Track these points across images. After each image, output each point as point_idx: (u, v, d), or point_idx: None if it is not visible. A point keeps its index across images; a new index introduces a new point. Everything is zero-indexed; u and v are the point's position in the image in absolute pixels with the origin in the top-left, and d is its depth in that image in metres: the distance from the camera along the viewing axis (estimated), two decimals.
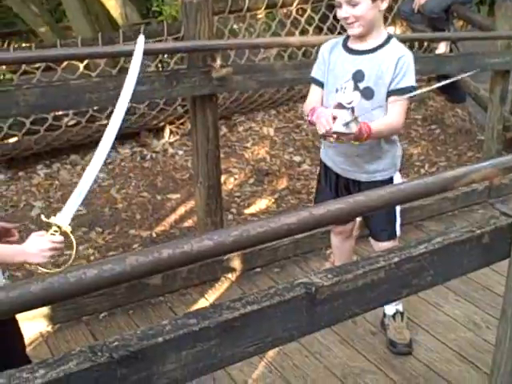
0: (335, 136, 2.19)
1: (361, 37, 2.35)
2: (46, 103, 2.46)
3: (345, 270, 1.37)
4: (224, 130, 5.05)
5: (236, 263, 3.11)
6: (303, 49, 5.07)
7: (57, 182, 4.29)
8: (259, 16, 5.30)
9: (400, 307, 2.75)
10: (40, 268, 1.65)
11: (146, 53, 3.66)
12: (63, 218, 1.68)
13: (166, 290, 2.95)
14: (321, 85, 2.47)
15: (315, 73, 2.50)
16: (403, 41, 5.21)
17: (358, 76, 2.34)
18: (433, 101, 5.77)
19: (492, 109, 4.06)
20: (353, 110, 2.26)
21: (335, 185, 2.58)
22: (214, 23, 4.81)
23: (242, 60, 4.87)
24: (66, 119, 4.34)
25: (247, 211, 4.05)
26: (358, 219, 2.91)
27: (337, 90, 2.37)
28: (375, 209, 1.43)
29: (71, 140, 4.54)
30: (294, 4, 5.01)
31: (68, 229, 1.67)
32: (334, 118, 2.15)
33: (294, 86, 4.54)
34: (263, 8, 4.86)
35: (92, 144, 4.75)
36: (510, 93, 4.32)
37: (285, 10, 5.29)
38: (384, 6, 2.29)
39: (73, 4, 5.55)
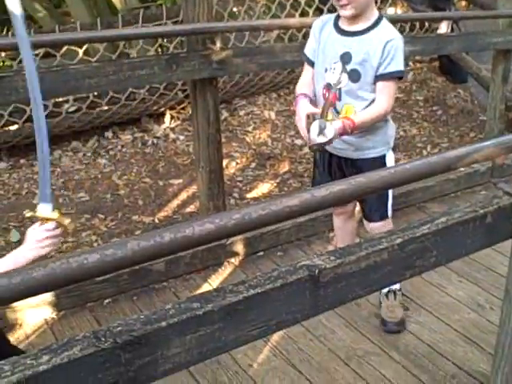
0: (321, 148, 2.22)
1: (352, 18, 2.31)
2: (46, 89, 2.41)
3: (348, 251, 1.36)
4: (225, 114, 5.03)
5: (239, 247, 3.11)
6: (303, 31, 5.02)
7: (58, 170, 4.28)
8: None
9: (396, 285, 2.73)
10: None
11: (145, 36, 3.67)
12: (44, 206, 1.63)
13: (170, 276, 2.95)
14: (312, 64, 2.46)
15: (307, 50, 2.49)
16: (404, 21, 5.21)
17: (345, 57, 2.32)
18: (434, 82, 5.74)
19: (494, 88, 4.03)
20: (322, 114, 2.23)
21: (328, 164, 2.58)
22: (214, 6, 4.79)
23: (242, 43, 4.84)
24: (66, 106, 4.32)
25: (249, 195, 4.05)
26: None
27: (326, 70, 2.35)
28: (377, 190, 1.42)
29: (72, 126, 4.53)
30: None
31: (53, 214, 1.63)
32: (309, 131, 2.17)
33: (294, 68, 4.50)
34: None
35: (93, 130, 4.75)
36: (511, 73, 4.29)
37: None
38: None
39: None
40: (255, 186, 4.17)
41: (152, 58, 2.79)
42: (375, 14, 2.35)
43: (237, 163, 4.44)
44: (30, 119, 4.20)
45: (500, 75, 3.96)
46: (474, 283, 3.00)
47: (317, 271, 1.30)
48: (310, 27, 2.52)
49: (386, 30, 2.32)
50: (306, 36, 5.33)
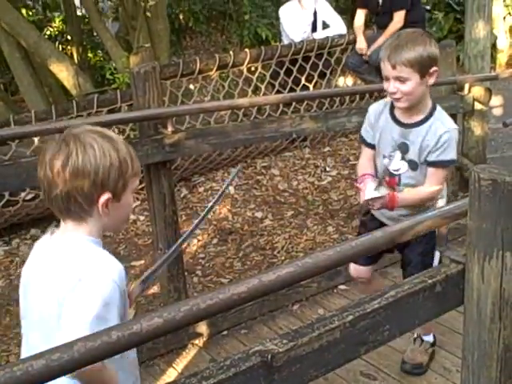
0: (371, 203, 2.38)
1: (406, 109, 2.40)
2: None
3: (300, 333, 1.37)
4: (184, 191, 5.07)
5: (202, 328, 3.08)
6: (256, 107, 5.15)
7: (17, 259, 4.22)
8: (212, 77, 5.41)
9: (427, 337, 2.86)
10: None
11: (98, 125, 3.71)
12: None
13: None
14: (370, 146, 2.56)
15: (364, 134, 2.58)
16: (354, 93, 5.38)
17: (403, 147, 2.43)
18: None
19: None
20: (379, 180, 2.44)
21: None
22: (167, 87, 4.90)
23: (197, 121, 4.94)
24: (22, 194, 4.31)
25: (212, 272, 4.03)
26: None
27: (384, 157, 2.48)
28: (326, 269, 1.44)
29: (30, 214, 4.50)
30: (245, 63, 5.12)
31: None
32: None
33: (247, 146, 4.60)
34: (215, 69, 4.96)
35: (53, 216, 4.71)
36: (460, 134, 4.44)
37: (236, 70, 5.41)
38: (431, 81, 2.34)
39: (25, 78, 5.60)
40: (218, 262, 4.16)
41: None
42: (429, 105, 2.42)
43: (198, 240, 4.44)
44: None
45: None
46: (439, 346, 2.99)
47: (269, 356, 1.30)
48: (260, 106, 2.63)
49: (441, 121, 2.39)
50: (260, 111, 5.48)
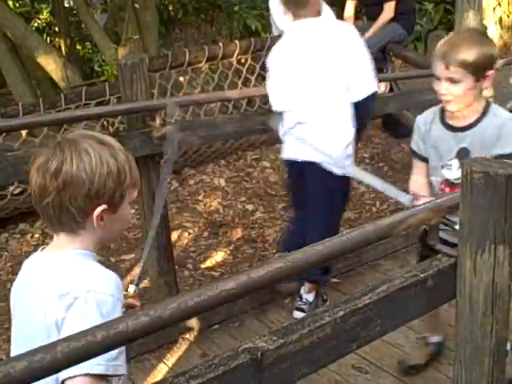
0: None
1: (458, 112, 2.26)
2: None
3: (290, 330, 1.35)
4: (175, 184, 5.03)
5: (193, 322, 3.05)
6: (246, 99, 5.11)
7: (6, 253, 4.17)
8: (202, 69, 5.36)
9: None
10: None
11: (84, 118, 3.67)
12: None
13: None
14: (422, 159, 2.42)
15: (416, 147, 2.44)
16: None
17: (462, 153, 2.27)
18: (378, 138, 5.87)
19: None
20: None
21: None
22: (156, 79, 4.85)
23: (186, 113, 4.89)
24: (11, 188, 4.26)
25: (203, 265, 4.01)
26: None
27: (442, 167, 2.33)
28: (315, 264, 1.42)
29: (18, 208, 4.45)
30: (235, 55, 5.07)
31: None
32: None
33: (236, 138, 4.56)
34: (204, 61, 4.91)
35: None
36: None
37: (226, 62, 5.36)
38: (486, 84, 2.22)
39: (12, 70, 5.53)
40: (209, 255, 4.14)
41: None
42: (482, 102, 2.28)
43: (189, 233, 4.41)
44: None
45: None
46: None
47: (259, 354, 1.28)
48: (251, 98, 2.61)
49: (498, 114, 2.25)
50: (250, 103, 5.44)
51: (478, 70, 2.15)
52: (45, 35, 7.37)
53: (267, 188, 4.96)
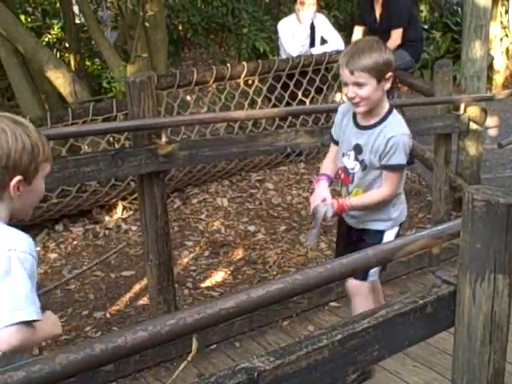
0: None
1: (364, 113, 2.53)
2: None
3: (288, 351, 1.35)
4: (178, 202, 5.04)
5: (190, 341, 3.04)
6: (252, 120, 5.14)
7: None
8: (209, 89, 5.40)
9: None
10: None
11: (92, 133, 3.70)
12: None
13: (119, 375, 2.85)
14: (335, 142, 2.71)
15: (333, 130, 2.73)
16: None
17: (357, 148, 2.57)
18: None
19: (438, 170, 4.14)
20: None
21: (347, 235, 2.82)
22: (164, 98, 4.89)
23: (192, 132, 4.92)
24: None
25: (203, 285, 4.00)
26: None
27: (343, 155, 2.63)
28: (316, 287, 1.43)
29: (22, 220, 4.45)
30: (242, 76, 5.12)
31: None
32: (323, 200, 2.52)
33: (241, 159, 4.58)
34: (211, 81, 4.95)
35: (43, 223, 4.68)
36: (454, 153, 4.44)
37: (233, 82, 5.40)
38: (387, 86, 2.48)
39: (21, 84, 5.57)
40: (209, 274, 4.13)
41: (98, 154, 2.82)
42: (385, 108, 2.55)
43: (190, 252, 4.41)
44: None
45: (442, 158, 4.08)
46: (429, 367, 2.97)
47: (256, 374, 1.28)
48: (256, 120, 2.67)
49: (392, 126, 2.51)
50: (255, 124, 5.48)
51: (379, 73, 2.42)
52: (55, 50, 7.45)
53: (270, 210, 4.97)
